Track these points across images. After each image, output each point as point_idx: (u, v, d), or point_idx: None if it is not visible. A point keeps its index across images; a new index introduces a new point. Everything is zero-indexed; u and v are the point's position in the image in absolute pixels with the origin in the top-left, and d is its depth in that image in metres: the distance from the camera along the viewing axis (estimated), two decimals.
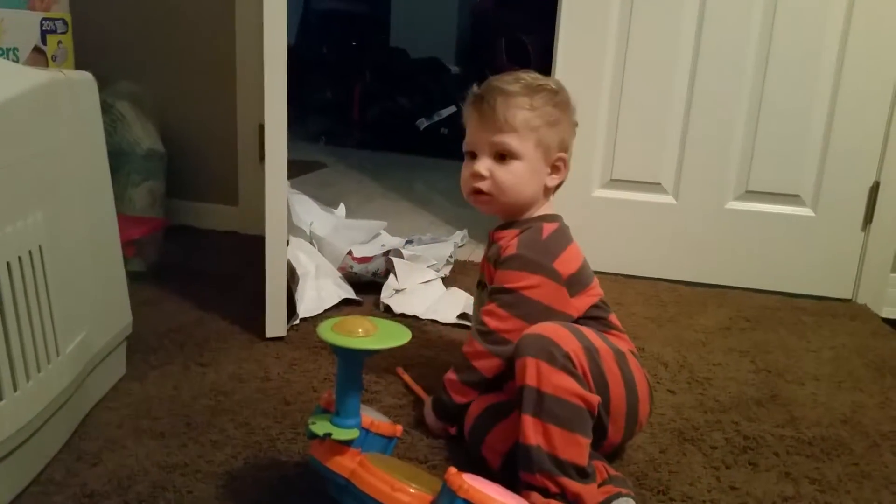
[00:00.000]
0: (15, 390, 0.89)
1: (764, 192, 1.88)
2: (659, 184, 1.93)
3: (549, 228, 1.09)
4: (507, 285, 1.06)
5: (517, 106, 1.06)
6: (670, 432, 1.18)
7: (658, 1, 1.84)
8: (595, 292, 1.10)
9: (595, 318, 1.09)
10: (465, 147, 1.13)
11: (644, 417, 1.07)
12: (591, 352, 0.97)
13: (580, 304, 1.08)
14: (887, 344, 1.62)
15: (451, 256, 1.90)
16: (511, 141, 1.07)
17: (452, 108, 3.68)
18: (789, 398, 1.33)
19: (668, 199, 1.94)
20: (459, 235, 2.13)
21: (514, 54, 3.82)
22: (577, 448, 0.91)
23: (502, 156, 1.08)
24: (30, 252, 0.92)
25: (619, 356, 1.02)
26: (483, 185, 1.09)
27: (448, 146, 3.61)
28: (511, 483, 0.94)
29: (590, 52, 1.89)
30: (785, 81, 1.82)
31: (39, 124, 0.97)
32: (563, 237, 1.10)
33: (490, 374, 1.07)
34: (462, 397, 1.09)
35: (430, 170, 3.40)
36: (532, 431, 0.91)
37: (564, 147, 1.11)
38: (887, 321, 1.78)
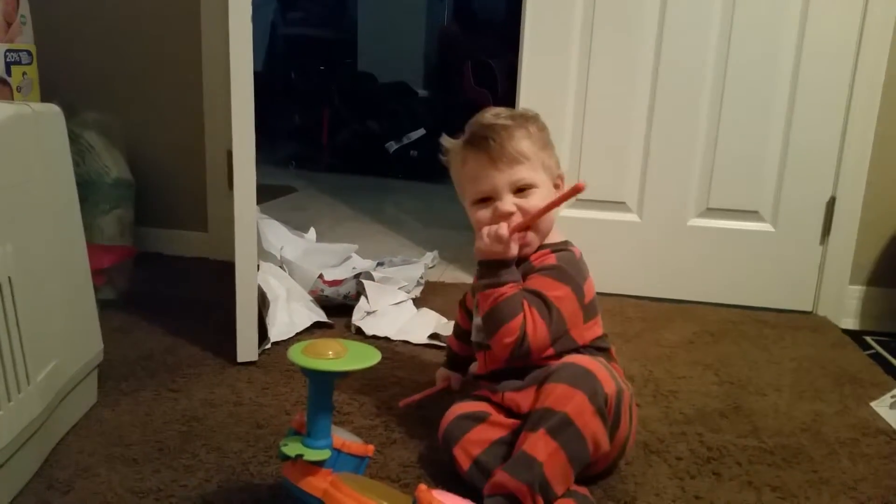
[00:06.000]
0: None
1: (724, 209, 1.94)
2: (623, 202, 1.98)
3: (577, 253, 1.13)
4: (539, 290, 1.07)
5: (520, 136, 1.09)
6: (636, 445, 1.20)
7: (618, 25, 1.90)
8: (600, 323, 1.14)
9: (600, 348, 1.13)
10: (475, 196, 1.11)
11: (629, 450, 1.11)
12: (619, 395, 1.00)
13: (589, 334, 1.11)
14: (846, 355, 1.66)
15: (421, 278, 1.93)
16: (527, 172, 1.09)
17: (422, 132, 3.73)
18: (752, 409, 1.37)
19: (632, 217, 1.98)
20: (430, 257, 2.16)
21: (480, 77, 3.89)
22: (565, 480, 0.96)
23: (521, 189, 1.09)
24: None
25: (631, 399, 1.06)
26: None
27: (417, 169, 3.66)
28: (477, 488, 0.98)
29: (553, 76, 1.94)
30: (742, 101, 1.88)
31: (7, 158, 0.98)
32: (586, 265, 1.13)
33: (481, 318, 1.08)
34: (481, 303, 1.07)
35: (400, 192, 3.44)
36: (543, 447, 0.94)
37: (558, 165, 1.15)
38: (846, 332, 1.83)
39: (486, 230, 1.07)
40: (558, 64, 1.93)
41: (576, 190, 1.01)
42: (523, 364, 1.07)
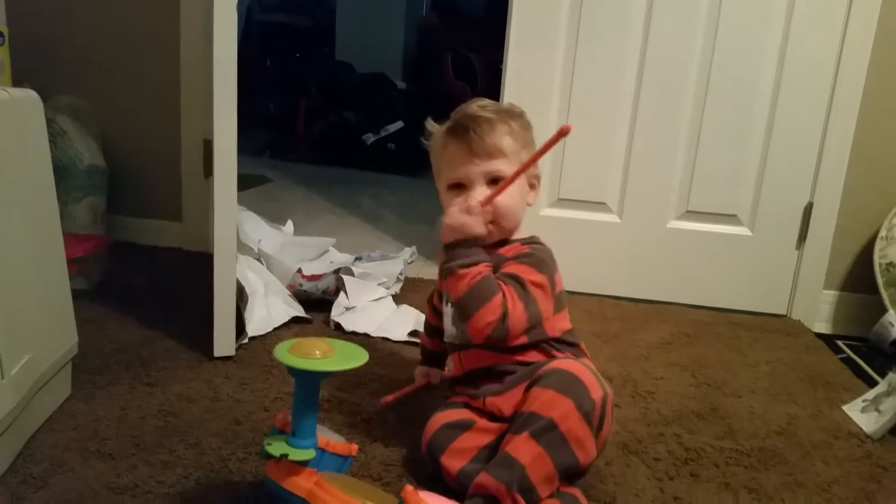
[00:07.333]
0: None
1: (703, 212, 1.96)
2: (604, 203, 1.98)
3: (547, 246, 1.13)
4: (515, 273, 1.05)
5: (501, 132, 1.09)
6: (615, 445, 1.21)
7: (605, 27, 1.90)
8: (568, 317, 1.14)
9: (570, 343, 1.13)
10: (449, 181, 1.12)
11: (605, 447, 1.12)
12: (605, 400, 1.00)
13: (559, 326, 1.11)
14: (819, 358, 1.69)
15: (401, 274, 1.91)
16: (504, 166, 1.08)
17: (399, 124, 3.70)
18: (728, 411, 1.38)
19: (612, 217, 1.99)
20: (408, 252, 2.14)
21: (460, 71, 3.87)
22: (549, 485, 0.95)
23: (495, 181, 1.09)
24: None
25: (612, 400, 1.05)
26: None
27: (395, 161, 3.64)
28: (464, 498, 0.96)
29: (538, 74, 1.93)
30: (724, 107, 1.90)
31: None
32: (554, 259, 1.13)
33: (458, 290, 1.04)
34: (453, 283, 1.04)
35: (377, 185, 3.41)
36: (526, 450, 0.94)
37: (536, 165, 1.14)
38: (820, 336, 1.86)
39: (453, 206, 1.07)
40: (544, 63, 1.93)
41: (561, 133, 1.00)
42: (499, 351, 1.07)
